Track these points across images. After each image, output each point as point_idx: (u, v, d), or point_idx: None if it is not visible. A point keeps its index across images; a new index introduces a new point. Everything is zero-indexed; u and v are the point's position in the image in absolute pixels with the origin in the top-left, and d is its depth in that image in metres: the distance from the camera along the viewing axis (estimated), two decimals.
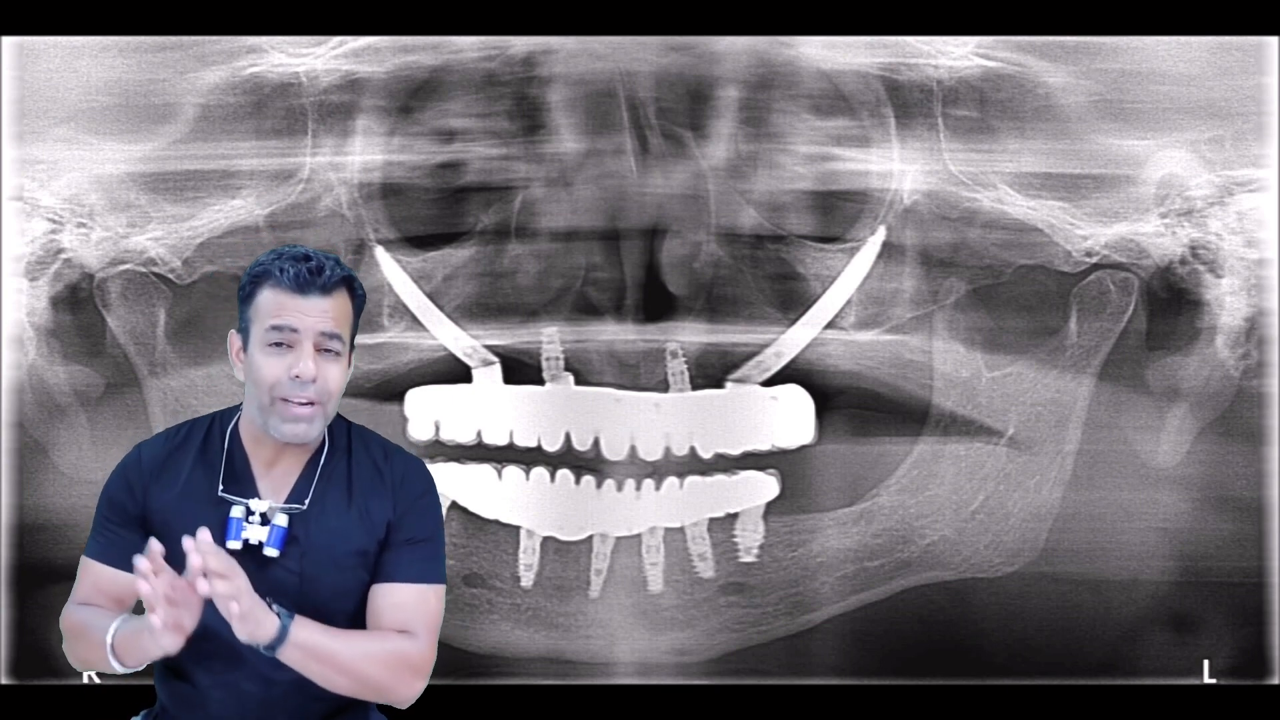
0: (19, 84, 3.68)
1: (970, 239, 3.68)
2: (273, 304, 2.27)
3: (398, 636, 2.30)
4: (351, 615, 2.33)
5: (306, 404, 2.27)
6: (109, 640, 2.24)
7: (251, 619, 2.15)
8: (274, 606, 2.19)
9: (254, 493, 2.33)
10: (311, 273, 2.26)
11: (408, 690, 2.30)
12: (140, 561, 2.11)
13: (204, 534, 2.12)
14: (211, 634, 2.28)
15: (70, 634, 2.34)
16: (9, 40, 3.68)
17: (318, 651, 2.22)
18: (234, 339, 2.35)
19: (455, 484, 3.65)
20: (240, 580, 2.13)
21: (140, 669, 2.29)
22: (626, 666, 3.70)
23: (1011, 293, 3.68)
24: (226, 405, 2.44)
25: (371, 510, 2.34)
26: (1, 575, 3.68)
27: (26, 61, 3.68)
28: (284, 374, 2.26)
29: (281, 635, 2.18)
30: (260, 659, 2.25)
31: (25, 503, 3.69)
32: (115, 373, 3.69)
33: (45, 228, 3.68)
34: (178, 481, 2.33)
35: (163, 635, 2.12)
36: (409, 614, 2.31)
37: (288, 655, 2.20)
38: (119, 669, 2.26)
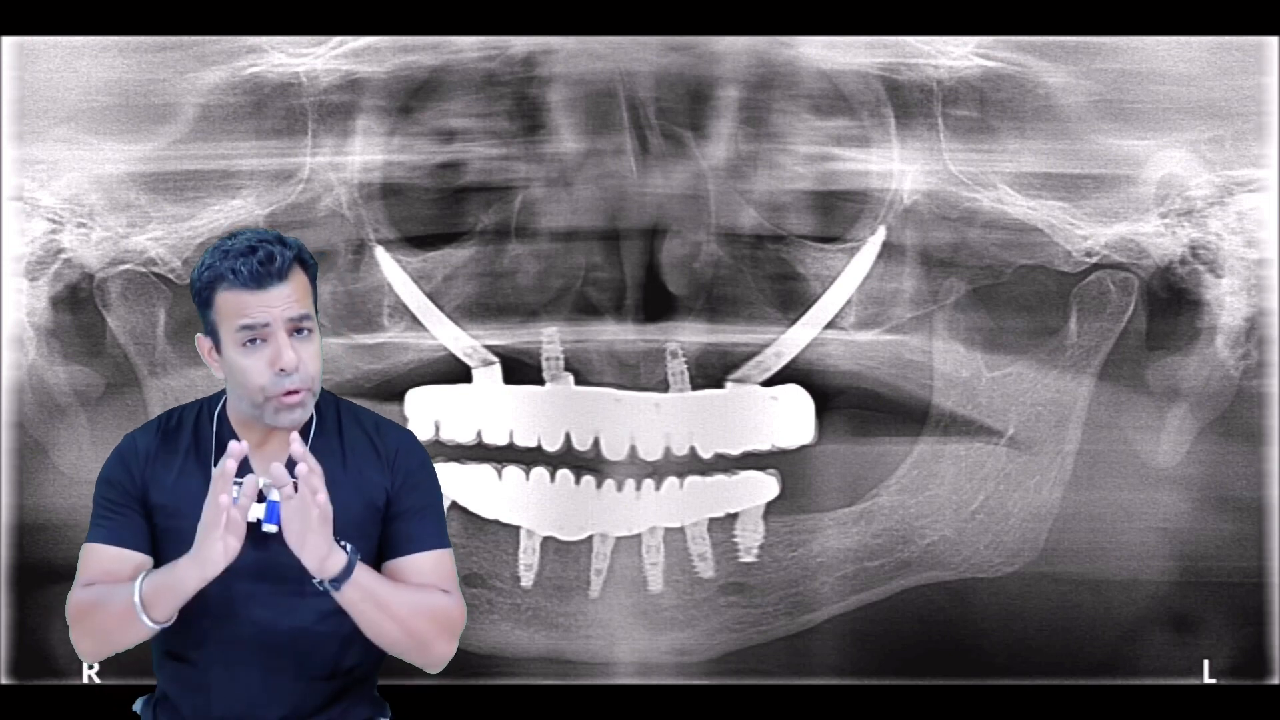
0: (19, 84, 3.68)
1: (970, 239, 3.68)
2: (234, 304, 2.27)
3: (439, 593, 2.33)
4: None
5: (294, 392, 2.28)
6: (137, 595, 2.21)
7: (325, 540, 2.16)
8: (342, 543, 2.20)
9: (248, 473, 2.32)
10: (263, 264, 2.26)
11: (446, 648, 2.33)
12: (229, 462, 2.15)
13: (296, 440, 2.17)
14: (214, 614, 2.29)
15: (82, 612, 2.30)
16: (9, 40, 3.68)
17: (376, 594, 2.24)
18: (202, 341, 2.34)
19: (455, 484, 3.65)
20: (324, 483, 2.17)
21: (171, 621, 2.23)
22: (626, 666, 3.70)
23: (1011, 293, 3.68)
24: None
25: (367, 481, 2.36)
26: (1, 575, 3.68)
27: (26, 61, 3.68)
28: (268, 372, 2.27)
29: (349, 569, 2.20)
30: (262, 638, 2.27)
31: (25, 503, 3.69)
32: (115, 373, 3.69)
33: (45, 228, 3.68)
34: (172, 468, 2.34)
35: (224, 537, 2.15)
36: (433, 580, 2.34)
37: (347, 595, 2.21)
38: (147, 624, 2.22)
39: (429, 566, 2.35)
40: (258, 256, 2.26)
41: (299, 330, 2.29)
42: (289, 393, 2.27)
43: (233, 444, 2.17)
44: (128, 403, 3.68)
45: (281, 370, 2.26)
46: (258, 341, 2.27)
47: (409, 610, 2.28)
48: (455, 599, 2.35)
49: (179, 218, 3.68)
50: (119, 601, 2.24)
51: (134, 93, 3.68)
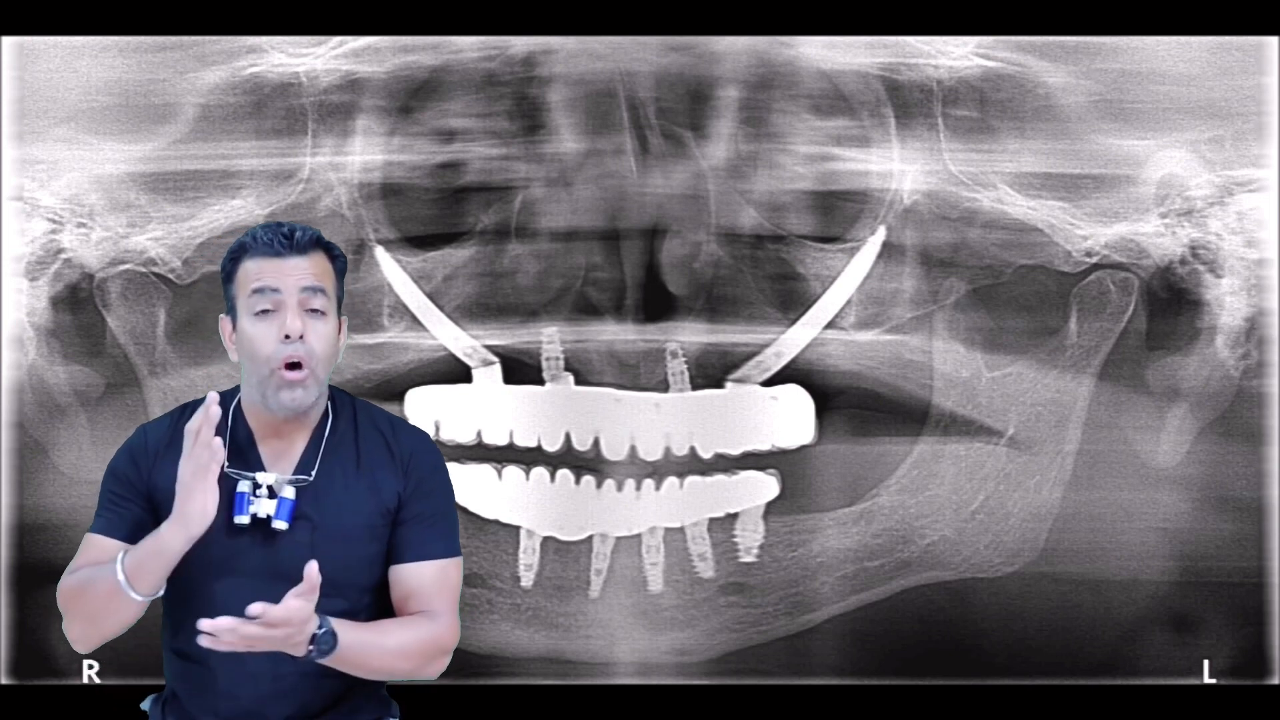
0: (19, 84, 3.68)
1: (970, 239, 3.68)
2: (252, 271, 2.31)
3: (425, 621, 2.33)
4: (363, 587, 2.34)
5: (297, 365, 2.28)
6: (120, 568, 2.21)
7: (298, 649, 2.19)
8: (320, 629, 2.20)
9: (260, 468, 2.33)
10: (285, 235, 2.32)
11: (437, 668, 2.36)
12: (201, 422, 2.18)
13: (258, 608, 2.14)
14: (221, 613, 2.28)
15: (69, 596, 2.30)
16: (9, 40, 3.68)
17: (355, 660, 2.25)
18: (224, 323, 2.37)
19: (455, 484, 3.65)
20: (299, 616, 2.16)
21: (157, 594, 2.24)
22: (626, 666, 3.70)
23: (1011, 293, 3.68)
24: None
25: (380, 482, 2.36)
26: (1, 575, 3.68)
27: (26, 61, 3.68)
28: (275, 341, 2.28)
29: (321, 656, 2.21)
30: None
31: (25, 503, 3.69)
32: (115, 373, 3.69)
33: (45, 228, 3.68)
34: None
35: (205, 491, 2.17)
36: (432, 593, 2.34)
37: (329, 661, 2.23)
38: (133, 598, 2.22)
39: (430, 576, 2.35)
40: (281, 230, 2.33)
41: (314, 310, 2.30)
42: (290, 366, 2.28)
43: (210, 402, 2.20)
44: (128, 403, 3.68)
45: (286, 337, 2.27)
46: (269, 312, 2.29)
47: (395, 656, 2.30)
48: (445, 622, 2.35)
49: (179, 218, 3.68)
50: (104, 579, 2.23)
51: (134, 93, 3.68)
